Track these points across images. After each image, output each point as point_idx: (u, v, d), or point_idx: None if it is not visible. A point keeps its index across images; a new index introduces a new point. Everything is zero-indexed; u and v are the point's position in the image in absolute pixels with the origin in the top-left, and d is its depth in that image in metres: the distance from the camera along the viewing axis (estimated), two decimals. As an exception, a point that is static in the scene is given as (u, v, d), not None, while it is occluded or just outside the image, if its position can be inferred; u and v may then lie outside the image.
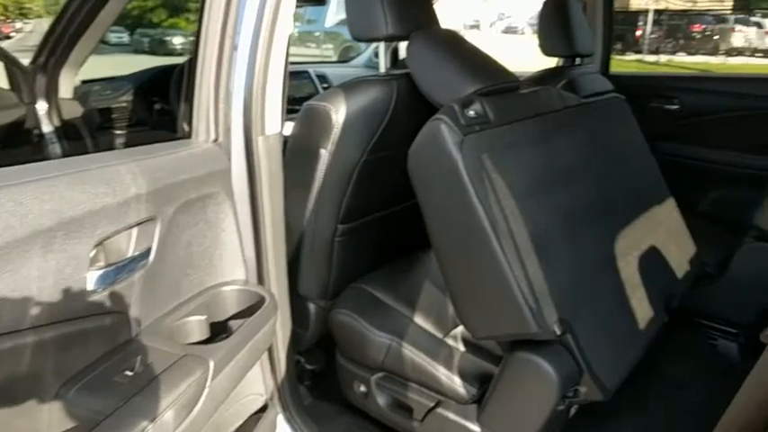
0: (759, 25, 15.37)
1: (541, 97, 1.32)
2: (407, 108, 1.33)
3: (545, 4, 1.90)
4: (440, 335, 1.33)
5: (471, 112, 1.09)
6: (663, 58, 14.27)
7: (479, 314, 1.11)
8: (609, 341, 1.18)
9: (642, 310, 1.28)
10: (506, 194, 1.06)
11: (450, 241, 1.11)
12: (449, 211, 1.08)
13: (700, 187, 2.25)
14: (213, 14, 1.05)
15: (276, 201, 1.18)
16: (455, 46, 1.28)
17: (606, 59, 2.39)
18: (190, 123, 1.08)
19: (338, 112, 1.25)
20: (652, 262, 1.39)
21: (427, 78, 1.24)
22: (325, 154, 1.28)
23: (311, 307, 1.45)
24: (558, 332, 1.05)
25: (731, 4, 17.62)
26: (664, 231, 1.52)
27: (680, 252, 1.55)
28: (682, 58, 14.56)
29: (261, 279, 1.21)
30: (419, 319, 1.36)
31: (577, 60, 2.05)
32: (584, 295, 1.15)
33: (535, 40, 1.99)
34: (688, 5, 16.71)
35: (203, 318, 0.98)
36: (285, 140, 1.28)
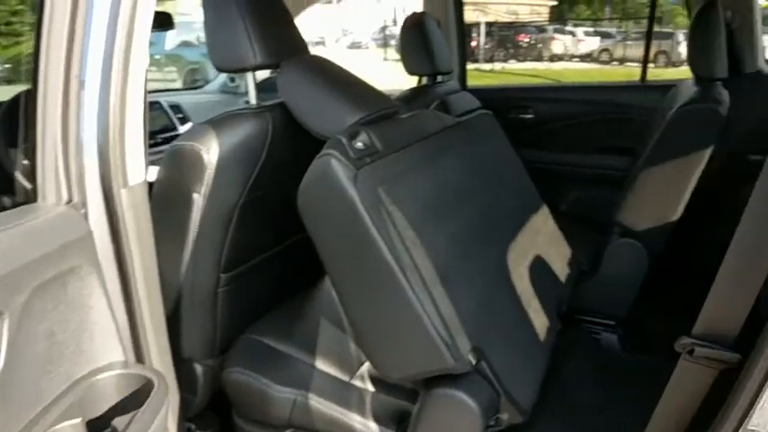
0: (573, 34, 17.30)
1: (421, 121, 1.31)
2: (285, 140, 1.24)
3: (404, 26, 1.91)
4: (346, 377, 1.25)
5: (359, 144, 1.03)
6: (497, 66, 15.43)
7: (392, 355, 1.05)
8: (518, 360, 1.18)
9: (540, 321, 1.31)
10: (405, 226, 1.01)
11: (352, 281, 1.04)
12: (349, 250, 1.01)
13: (559, 190, 2.41)
14: (53, 42, 0.86)
15: (148, 260, 1.03)
16: (329, 73, 1.22)
17: (463, 75, 2.48)
18: (33, 182, 0.89)
19: (210, 152, 1.12)
20: (539, 271, 1.43)
21: (304, 108, 1.16)
22: (198, 199, 1.15)
23: (198, 368, 1.30)
24: (474, 361, 1.02)
25: (548, 15, 19.64)
26: (543, 239, 1.57)
27: (559, 257, 1.62)
28: (513, 65, 15.86)
29: (140, 354, 1.05)
30: (321, 364, 1.26)
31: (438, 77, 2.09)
32: (489, 318, 1.14)
33: (380, 53, 2.00)
34: (513, 18, 18.32)
35: (77, 421, 0.81)
36: (150, 186, 1.13)
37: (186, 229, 1.16)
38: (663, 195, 1.66)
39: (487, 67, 15.22)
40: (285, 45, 1.20)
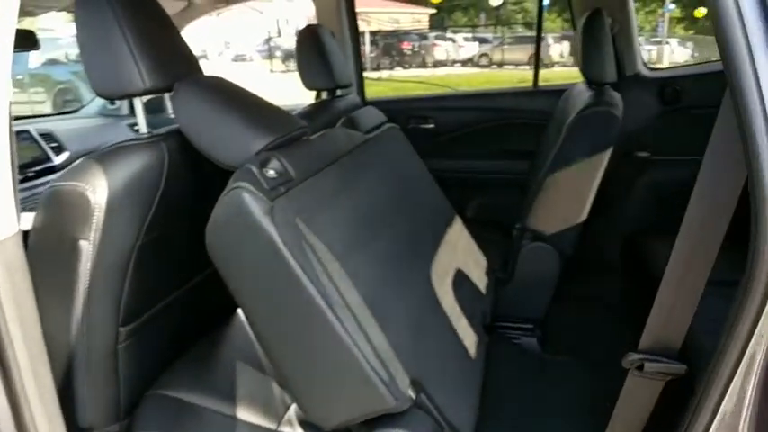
0: (453, 40, 17.99)
1: (332, 140, 1.23)
2: (184, 172, 1.12)
3: (300, 40, 1.83)
4: (273, 425, 1.15)
5: (271, 172, 0.94)
6: (384, 74, 15.66)
7: (325, 401, 0.96)
8: (456, 385, 1.13)
9: (470, 339, 1.28)
10: (330, 258, 0.93)
11: (276, 324, 0.94)
12: (270, 291, 0.91)
13: (464, 197, 2.43)
14: None
15: (29, 323, 0.88)
16: (229, 94, 1.11)
17: (362, 87, 2.43)
18: None
19: (97, 192, 0.97)
20: (462, 286, 1.40)
21: (205, 136, 1.04)
22: (86, 246, 0.99)
23: None
24: (414, 396, 0.96)
25: (428, 23, 20.30)
26: (461, 251, 1.56)
27: (477, 267, 1.61)
28: (399, 72, 16.18)
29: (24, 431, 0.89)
30: (243, 413, 1.15)
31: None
32: (424, 345, 1.08)
33: (266, 66, 1.91)
34: (395, 26, 18.72)
35: None
36: (26, 236, 0.97)
37: (75, 282, 1.01)
38: (569, 199, 1.70)
39: (375, 75, 15.40)
40: (176, 65, 1.08)
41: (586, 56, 1.70)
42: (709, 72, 2.22)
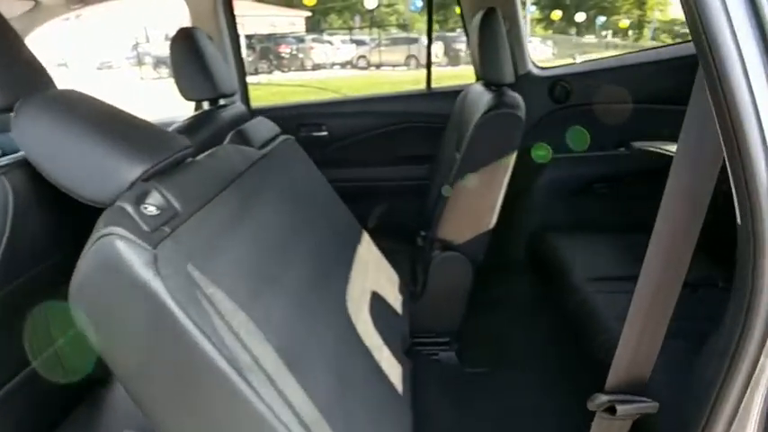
0: (330, 43, 17.91)
1: (222, 161, 1.05)
2: (36, 211, 0.89)
3: (174, 46, 1.61)
4: None
5: (151, 209, 0.75)
6: (263, 78, 15.24)
7: None
8: (386, 427, 1.00)
9: (395, 372, 1.15)
10: (232, 309, 0.76)
11: (169, 400, 0.76)
12: (159, 360, 0.73)
13: (364, 207, 2.31)
14: None
15: None
16: (88, 111, 0.89)
17: (246, 94, 2.24)
18: None
19: None
20: (380, 311, 1.28)
21: (58, 165, 0.82)
22: None
23: None
24: None
25: (304, 26, 20.09)
26: (372, 269, 1.43)
27: (391, 285, 1.49)
28: (279, 76, 15.83)
29: None
30: None
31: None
32: (349, 391, 0.94)
33: (135, 73, 1.68)
34: (271, 29, 18.29)
35: None
36: None
37: None
38: (478, 205, 1.64)
39: (254, 79, 14.96)
40: (18, 79, 0.85)
41: (484, 57, 1.64)
42: (596, 69, 2.28)
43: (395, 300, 1.45)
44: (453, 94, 2.17)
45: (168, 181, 0.83)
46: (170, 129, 1.51)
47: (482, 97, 1.70)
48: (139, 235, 0.69)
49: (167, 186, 0.81)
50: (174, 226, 0.76)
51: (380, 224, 2.31)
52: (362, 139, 2.34)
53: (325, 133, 2.32)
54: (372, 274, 1.40)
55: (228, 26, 2.13)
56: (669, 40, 19.86)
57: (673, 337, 1.37)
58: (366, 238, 1.53)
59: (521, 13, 2.16)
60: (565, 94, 2.23)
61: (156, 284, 0.67)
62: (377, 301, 1.29)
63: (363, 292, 1.24)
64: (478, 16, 1.69)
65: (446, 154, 2.03)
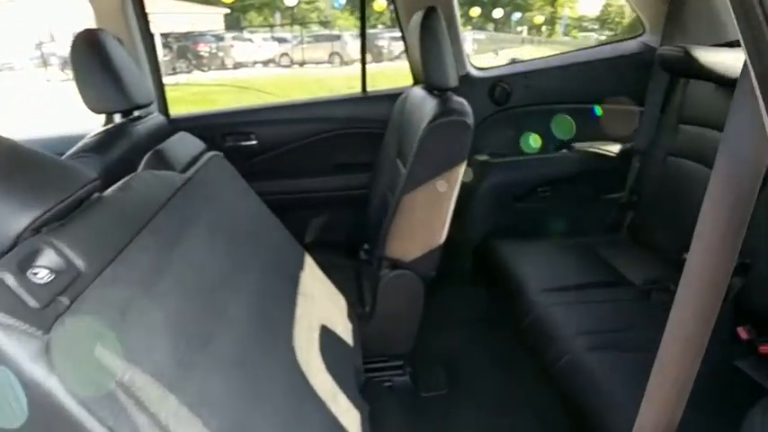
0: (251, 41, 17.39)
1: (137, 193, 0.87)
2: None
3: (75, 51, 1.39)
4: None
5: (43, 273, 0.58)
6: (181, 78, 14.60)
7: None
8: None
9: (351, 417, 1.02)
10: (158, 397, 0.60)
11: None
12: None
13: (301, 220, 2.16)
14: None
15: None
16: None
17: (164, 102, 2.02)
18: None
19: None
20: (332, 352, 1.14)
21: None
22: None
23: None
24: None
25: (223, 24, 19.43)
26: (319, 299, 1.29)
27: (340, 313, 1.36)
28: (198, 75, 15.22)
29: None
30: None
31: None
32: None
33: (40, 74, 1.45)
34: (189, 28, 17.54)
35: None
36: None
37: None
38: (428, 219, 1.52)
39: (172, 80, 14.28)
40: None
41: (426, 60, 1.53)
42: (536, 69, 2.22)
43: (345, 330, 1.31)
44: (391, 97, 2.05)
45: (67, 230, 0.65)
46: (72, 152, 1.30)
47: (425, 103, 1.59)
48: (25, 317, 0.52)
49: (65, 238, 0.64)
50: (76, 293, 0.59)
51: (319, 238, 2.17)
52: (295, 147, 2.17)
53: (254, 142, 2.14)
54: (319, 304, 1.26)
55: (140, 26, 1.91)
56: (579, 35, 20.70)
57: (631, 351, 1.32)
58: (309, 263, 1.38)
59: (457, 11, 2.06)
60: (505, 96, 2.17)
61: (51, 383, 0.51)
62: (327, 339, 1.15)
63: (312, 333, 1.10)
64: (417, 16, 1.57)
65: (387, 161, 1.91)
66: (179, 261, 0.81)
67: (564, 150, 2.17)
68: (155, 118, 1.71)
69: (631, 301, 1.56)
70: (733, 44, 1.89)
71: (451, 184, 1.48)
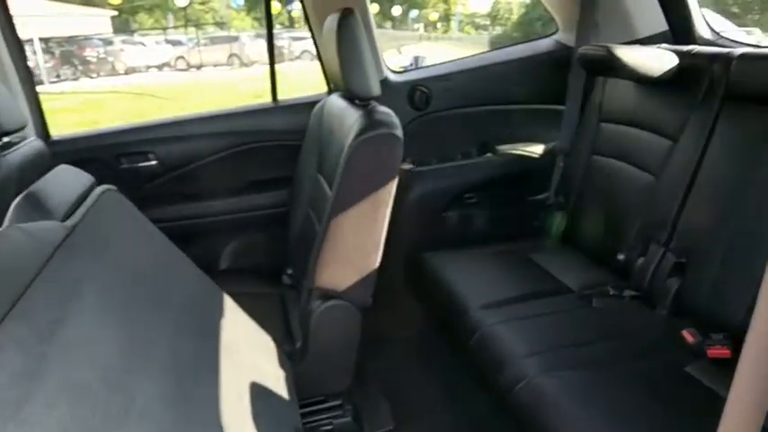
0: (143, 44, 16.46)
1: (4, 257, 0.67)
2: None
3: None
4: None
5: None
6: (67, 85, 13.56)
7: None
8: None
9: None
10: None
11: None
12: None
13: (213, 246, 1.96)
14: None
15: None
16: None
17: (43, 124, 1.74)
18: None
19: None
20: (265, 413, 0.98)
21: None
22: None
23: None
24: None
25: (111, 27, 18.24)
26: (245, 348, 1.12)
27: (269, 360, 1.19)
28: (86, 82, 14.23)
29: None
30: None
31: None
32: None
33: None
34: (72, 31, 16.30)
35: None
36: None
37: None
38: (362, 243, 1.39)
39: (56, 88, 13.20)
40: None
41: (347, 67, 1.39)
42: (455, 71, 2.14)
43: (278, 382, 1.15)
44: (305, 106, 1.90)
45: None
46: None
47: (347, 114, 1.45)
48: None
49: None
50: None
51: (236, 265, 1.97)
52: (202, 165, 1.96)
53: (153, 162, 1.90)
54: (245, 356, 1.09)
55: (3, 32, 1.62)
56: (473, 31, 21.34)
57: (587, 368, 1.26)
58: (228, 305, 1.20)
59: (371, 12, 1.93)
60: (425, 101, 2.07)
61: None
62: (259, 401, 0.98)
63: (241, 398, 0.93)
64: (332, 18, 1.43)
65: (306, 176, 1.76)
66: (63, 348, 0.62)
67: (488, 154, 2.11)
68: (30, 144, 1.45)
69: (575, 310, 1.51)
70: (642, 42, 1.91)
71: (384, 203, 1.35)
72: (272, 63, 2.03)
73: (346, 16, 1.37)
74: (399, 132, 1.33)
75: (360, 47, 1.37)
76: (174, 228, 1.85)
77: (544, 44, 2.19)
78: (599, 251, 1.76)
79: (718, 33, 1.91)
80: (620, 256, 1.63)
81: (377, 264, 1.42)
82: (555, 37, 2.19)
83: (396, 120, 1.37)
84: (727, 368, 1.23)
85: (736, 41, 1.84)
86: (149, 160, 1.89)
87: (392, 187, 1.34)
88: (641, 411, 1.11)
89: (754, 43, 1.75)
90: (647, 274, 1.52)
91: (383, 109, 1.41)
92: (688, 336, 1.33)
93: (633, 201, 1.64)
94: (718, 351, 1.28)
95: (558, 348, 1.32)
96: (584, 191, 1.87)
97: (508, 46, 2.29)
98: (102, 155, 1.82)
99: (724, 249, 1.36)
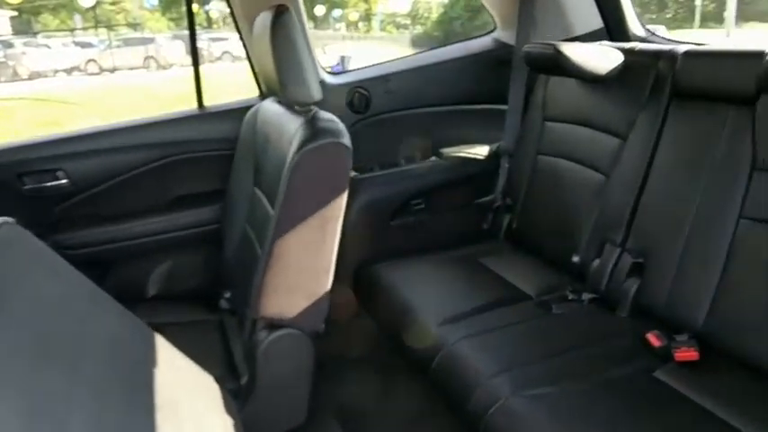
0: (48, 46, 15.46)
1: None
2: None
3: None
4: None
5: None
6: (-39, 95, 12.51)
7: None
8: None
9: None
10: None
11: None
12: None
13: (138, 272, 1.76)
14: None
15: None
16: None
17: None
18: None
19: None
20: None
21: None
22: None
23: None
24: None
25: (10, 28, 17.01)
26: (184, 399, 0.96)
27: (213, 407, 1.04)
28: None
29: None
30: None
31: None
32: None
33: None
34: (-36, 34, 15.05)
35: None
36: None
37: None
38: (311, 266, 1.26)
39: (-54, 98, 12.13)
40: None
41: (283, 70, 1.25)
42: (395, 71, 2.04)
43: (224, 428, 1.00)
44: (236, 112, 1.74)
45: None
46: None
47: (286, 122, 1.32)
48: None
49: None
50: None
51: (166, 291, 1.79)
52: (120, 182, 1.76)
53: (63, 181, 1.68)
54: (186, 405, 0.94)
55: None
56: (394, 30, 21.52)
57: (558, 384, 1.19)
58: (160, 343, 1.04)
59: (303, 9, 1.80)
60: (365, 103, 1.96)
61: None
62: None
63: None
64: (264, 17, 1.29)
65: (241, 190, 1.61)
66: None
67: (433, 158, 2.02)
68: None
69: (536, 319, 1.44)
70: (580, 39, 1.89)
71: (333, 219, 1.23)
72: (195, 65, 1.85)
73: (281, 14, 1.23)
74: (347, 141, 1.22)
75: (297, 47, 1.24)
76: (91, 255, 1.64)
77: (483, 42, 2.13)
78: (551, 253, 1.71)
79: (650, 31, 1.92)
80: (575, 258, 1.59)
81: (328, 286, 1.30)
82: (494, 35, 2.14)
83: (342, 127, 1.25)
84: (696, 371, 1.20)
85: (667, 39, 1.85)
86: (59, 179, 1.67)
87: (342, 202, 1.23)
88: (619, 424, 1.06)
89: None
90: (603, 276, 1.49)
91: (326, 115, 1.29)
92: (653, 339, 1.30)
93: (584, 201, 1.60)
94: (686, 354, 1.24)
95: (527, 364, 1.24)
96: (533, 192, 1.82)
97: (447, 45, 2.22)
98: (1, 175, 1.59)
99: (681, 248, 1.34)
